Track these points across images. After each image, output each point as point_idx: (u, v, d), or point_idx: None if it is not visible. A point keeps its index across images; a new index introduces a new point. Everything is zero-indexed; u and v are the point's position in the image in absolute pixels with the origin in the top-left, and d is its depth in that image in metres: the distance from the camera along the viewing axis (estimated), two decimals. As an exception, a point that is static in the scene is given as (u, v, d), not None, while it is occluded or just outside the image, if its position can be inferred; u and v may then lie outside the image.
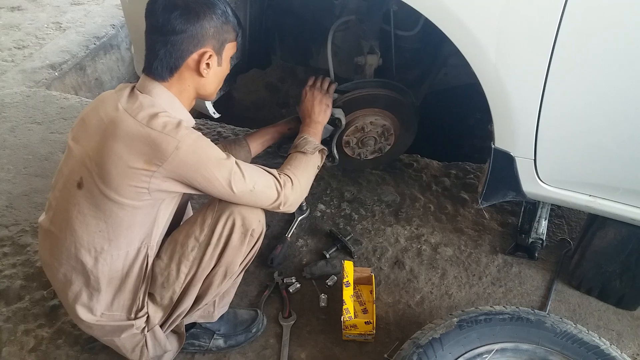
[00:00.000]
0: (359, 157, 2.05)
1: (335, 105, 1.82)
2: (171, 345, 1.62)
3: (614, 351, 1.48)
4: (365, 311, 1.86)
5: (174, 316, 1.54)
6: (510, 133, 1.50)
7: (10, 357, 1.75)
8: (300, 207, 2.24)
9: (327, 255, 2.07)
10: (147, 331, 1.52)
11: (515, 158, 1.54)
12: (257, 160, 1.82)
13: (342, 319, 1.72)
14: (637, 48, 1.25)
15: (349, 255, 2.09)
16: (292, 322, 1.84)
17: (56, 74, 3.30)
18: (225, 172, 1.36)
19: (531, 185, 1.58)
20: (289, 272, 2.04)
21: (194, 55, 1.34)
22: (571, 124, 1.43)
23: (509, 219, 2.25)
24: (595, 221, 1.81)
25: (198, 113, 1.90)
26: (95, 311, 1.45)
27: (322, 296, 1.92)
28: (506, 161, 1.55)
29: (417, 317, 1.88)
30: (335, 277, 1.99)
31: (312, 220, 2.26)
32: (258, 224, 1.50)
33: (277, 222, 2.23)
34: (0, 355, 1.76)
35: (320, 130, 1.74)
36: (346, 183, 2.44)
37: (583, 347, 1.48)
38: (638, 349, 1.78)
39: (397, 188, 2.41)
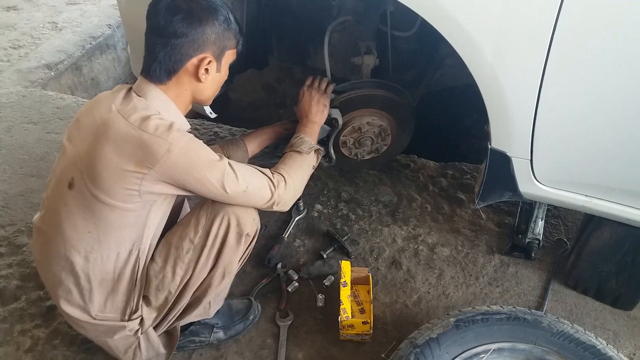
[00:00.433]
0: (355, 158, 2.05)
1: (332, 105, 1.83)
2: (165, 347, 1.62)
3: (610, 351, 1.49)
4: (362, 311, 1.86)
5: (169, 317, 1.54)
6: (506, 133, 1.50)
7: (6, 358, 1.75)
8: (298, 207, 2.24)
9: (325, 256, 2.07)
10: (141, 333, 1.51)
11: (512, 158, 1.54)
12: (254, 160, 1.83)
13: (339, 319, 1.72)
14: (633, 48, 1.26)
15: (346, 255, 2.09)
16: (290, 322, 1.84)
17: (52, 73, 3.29)
18: (217, 174, 1.35)
19: (528, 185, 1.59)
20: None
21: (194, 60, 1.34)
22: (567, 124, 1.43)
23: (506, 219, 2.25)
24: (592, 221, 1.81)
25: (195, 113, 1.90)
26: (88, 311, 1.44)
27: (320, 296, 1.92)
28: (503, 161, 1.55)
29: (414, 317, 1.88)
30: (333, 277, 1.99)
31: (310, 221, 2.26)
32: (253, 223, 1.50)
33: (275, 222, 2.23)
34: (-4, 356, 1.76)
35: (317, 131, 1.74)
36: (343, 183, 2.44)
37: (580, 347, 1.49)
38: (634, 348, 1.79)
39: (394, 188, 2.41)
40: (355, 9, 1.89)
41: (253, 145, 1.82)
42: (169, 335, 1.64)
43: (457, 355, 1.48)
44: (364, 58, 1.91)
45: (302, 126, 1.72)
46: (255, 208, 1.50)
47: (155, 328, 1.56)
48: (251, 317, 1.81)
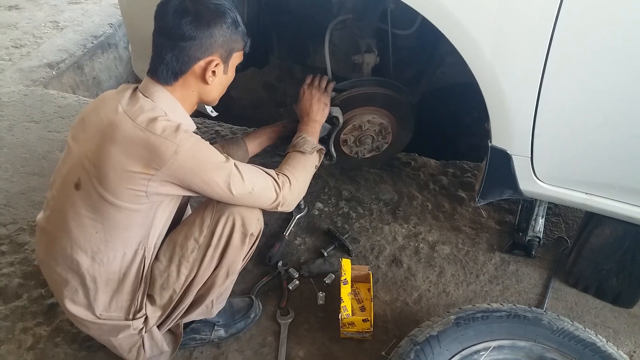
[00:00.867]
0: (356, 156, 2.05)
1: (332, 103, 1.83)
2: (168, 345, 1.63)
3: (610, 348, 1.49)
4: (363, 309, 1.86)
5: (173, 316, 1.55)
6: (507, 131, 1.50)
7: (8, 355, 1.76)
8: (298, 205, 2.24)
9: (325, 254, 2.08)
10: (145, 332, 1.52)
11: (512, 156, 1.54)
12: (255, 159, 1.83)
13: (339, 317, 1.73)
14: (633, 46, 1.26)
15: (347, 253, 2.10)
16: (290, 320, 1.85)
17: (54, 72, 3.29)
18: (224, 175, 1.36)
19: (528, 183, 1.59)
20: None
21: (201, 63, 1.34)
22: (568, 122, 1.44)
23: (506, 217, 2.25)
24: (592, 219, 1.82)
25: (196, 112, 1.89)
26: (93, 311, 1.45)
27: (320, 294, 1.92)
28: (503, 159, 1.55)
29: (414, 314, 1.88)
30: (333, 275, 2.00)
31: (310, 219, 2.26)
32: (257, 223, 1.51)
33: (275, 220, 2.23)
34: (-2, 353, 1.77)
35: (319, 129, 1.75)
36: (344, 181, 2.44)
37: (580, 344, 1.49)
38: (634, 346, 1.79)
39: (394, 186, 2.42)
40: (355, 7, 1.89)
41: (253, 145, 1.83)
42: (172, 334, 1.65)
43: (457, 353, 1.48)
44: (364, 56, 1.91)
45: (303, 125, 1.72)
46: (260, 208, 1.51)
47: (159, 326, 1.56)
48: (252, 316, 1.82)
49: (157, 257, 1.49)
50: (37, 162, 2.58)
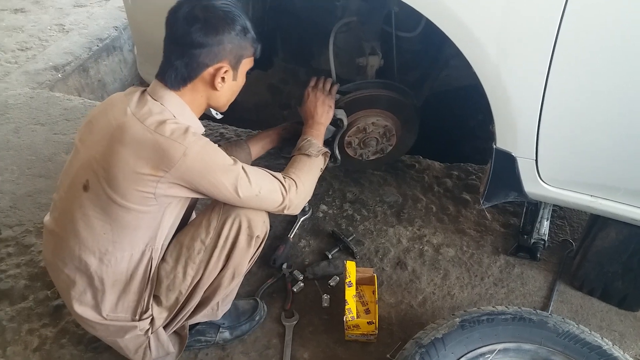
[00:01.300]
0: (360, 158, 2.05)
1: (337, 106, 1.83)
2: (174, 346, 1.63)
3: (616, 351, 1.48)
4: (367, 311, 1.86)
5: (179, 317, 1.55)
6: (511, 133, 1.50)
7: (14, 357, 1.76)
8: (303, 208, 2.24)
9: (330, 256, 2.08)
10: (151, 333, 1.52)
11: (517, 158, 1.54)
12: (259, 161, 1.83)
13: (344, 319, 1.73)
14: (639, 47, 1.25)
15: (351, 255, 2.10)
16: (295, 322, 1.85)
17: (59, 75, 3.31)
18: (231, 178, 1.36)
19: (533, 185, 1.59)
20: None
21: (210, 69, 1.35)
22: (572, 124, 1.43)
23: (511, 220, 2.25)
24: (597, 222, 1.81)
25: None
26: (100, 311, 1.45)
27: (325, 296, 1.92)
28: (508, 162, 1.55)
29: (419, 317, 1.88)
30: (338, 278, 2.00)
31: (315, 221, 2.26)
32: (263, 226, 1.52)
33: (280, 222, 2.24)
34: (5, 354, 1.77)
35: (323, 132, 1.75)
36: (348, 184, 2.44)
37: (585, 348, 1.48)
38: (640, 349, 1.79)
39: (399, 189, 2.42)
40: (359, 9, 1.89)
41: (256, 148, 1.83)
42: (177, 335, 1.65)
43: (463, 356, 1.48)
44: (368, 59, 1.91)
45: (308, 128, 1.73)
46: (266, 211, 1.51)
47: (165, 328, 1.57)
48: (257, 318, 1.82)
49: (163, 258, 1.49)
50: (43, 164, 2.59)
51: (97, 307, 1.45)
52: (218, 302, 1.62)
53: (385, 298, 1.95)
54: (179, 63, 1.33)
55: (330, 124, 1.81)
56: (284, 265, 2.03)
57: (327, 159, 1.72)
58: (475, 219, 2.26)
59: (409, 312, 1.90)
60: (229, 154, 1.73)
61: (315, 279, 2.01)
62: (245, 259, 1.52)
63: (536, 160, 1.52)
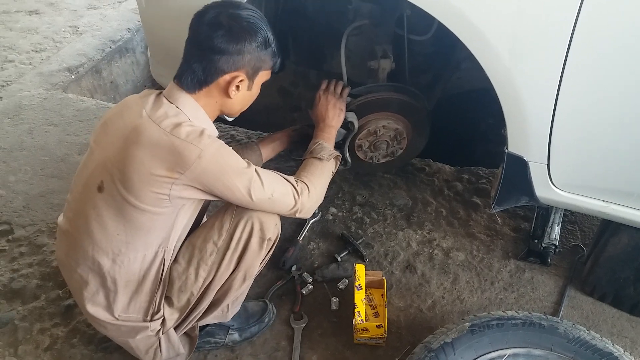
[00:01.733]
0: (371, 161, 2.05)
1: (348, 109, 1.83)
2: (184, 347, 1.64)
3: (627, 358, 1.47)
4: (376, 315, 1.86)
5: (190, 318, 1.56)
6: (523, 137, 1.50)
7: (25, 356, 1.78)
8: (312, 210, 2.25)
9: (339, 259, 2.08)
10: (162, 334, 1.53)
11: (529, 163, 1.53)
12: (270, 163, 1.84)
13: (353, 322, 1.73)
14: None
15: (361, 258, 2.10)
16: (304, 325, 1.85)
17: (73, 76, 3.34)
18: (245, 181, 1.38)
19: (544, 190, 1.58)
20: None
21: (226, 77, 1.36)
22: (585, 128, 1.42)
23: (522, 224, 2.24)
24: (609, 227, 1.79)
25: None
26: (112, 312, 1.47)
27: (334, 299, 1.92)
28: (519, 166, 1.54)
29: (428, 321, 1.87)
30: (347, 281, 1.99)
31: (324, 224, 2.26)
32: (275, 229, 1.52)
33: (289, 225, 2.24)
34: (16, 353, 1.79)
35: (334, 135, 1.75)
36: (358, 187, 2.44)
37: (596, 354, 1.47)
38: (652, 356, 1.77)
39: (409, 192, 2.41)
40: (371, 12, 1.89)
41: (267, 150, 1.84)
42: (187, 336, 1.66)
43: (472, 360, 1.47)
44: (380, 62, 1.91)
45: (319, 131, 1.73)
46: (278, 214, 1.52)
47: (176, 329, 1.58)
48: (266, 320, 1.83)
49: (175, 260, 1.50)
50: (56, 164, 2.62)
51: (109, 308, 1.46)
52: (228, 304, 1.62)
53: (394, 301, 1.94)
54: (197, 66, 1.34)
55: (341, 126, 1.81)
56: (293, 268, 2.03)
57: (339, 163, 1.72)
58: (485, 223, 2.25)
59: (418, 316, 1.90)
60: (241, 156, 1.75)
61: (325, 282, 2.01)
62: (256, 261, 1.53)
63: (548, 165, 1.52)
